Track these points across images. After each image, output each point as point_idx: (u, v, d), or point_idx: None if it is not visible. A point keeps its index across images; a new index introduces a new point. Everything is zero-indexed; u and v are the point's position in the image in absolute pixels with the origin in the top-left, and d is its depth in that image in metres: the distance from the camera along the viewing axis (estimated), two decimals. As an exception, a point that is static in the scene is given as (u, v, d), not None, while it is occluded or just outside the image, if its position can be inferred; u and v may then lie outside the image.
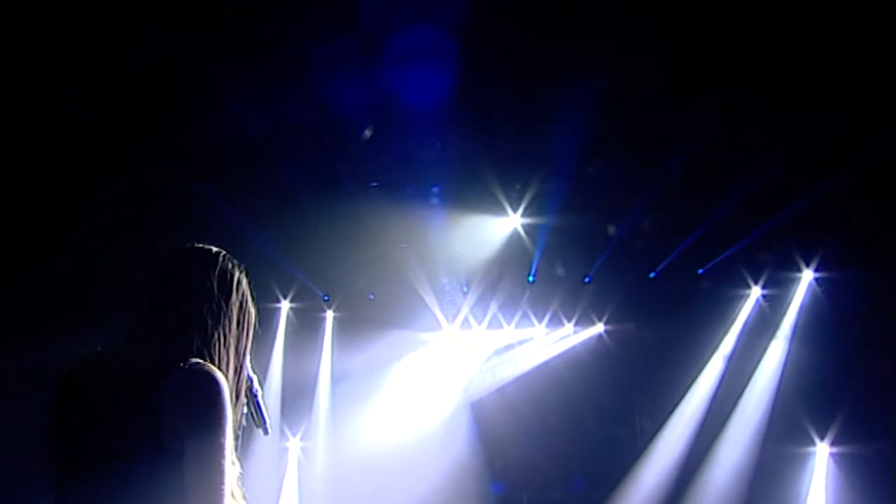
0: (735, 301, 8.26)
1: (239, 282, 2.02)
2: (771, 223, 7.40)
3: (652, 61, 5.74)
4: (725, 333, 8.21)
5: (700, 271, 8.23)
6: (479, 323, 8.70)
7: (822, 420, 7.79)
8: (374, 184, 7.40)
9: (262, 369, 8.31)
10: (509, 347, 8.71)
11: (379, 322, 8.62)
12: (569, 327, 8.81)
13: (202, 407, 1.70)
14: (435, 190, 7.47)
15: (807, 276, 7.91)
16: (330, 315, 8.89)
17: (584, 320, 8.76)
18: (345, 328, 8.80)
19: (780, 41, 5.53)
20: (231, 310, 1.94)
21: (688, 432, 7.99)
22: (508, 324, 8.71)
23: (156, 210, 6.64)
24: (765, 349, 8.06)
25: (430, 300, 8.36)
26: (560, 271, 8.16)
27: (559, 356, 8.50)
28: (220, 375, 1.78)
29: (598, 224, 7.80)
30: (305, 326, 8.75)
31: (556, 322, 8.67)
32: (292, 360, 8.53)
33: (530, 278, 8.34)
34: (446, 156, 7.03)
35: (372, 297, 8.46)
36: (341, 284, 8.45)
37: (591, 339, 8.68)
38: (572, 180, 7.26)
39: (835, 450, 7.76)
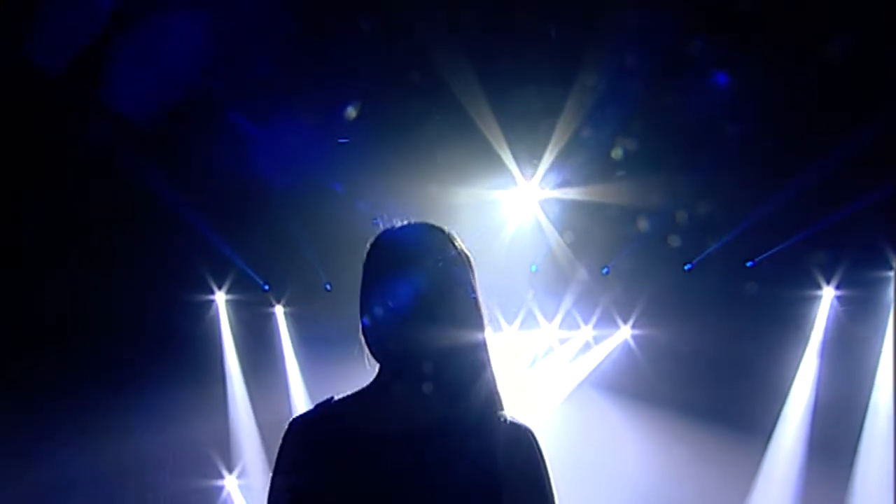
0: (798, 305, 6.63)
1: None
2: (851, 207, 6.01)
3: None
4: (797, 349, 6.56)
5: (749, 264, 6.70)
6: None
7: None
8: (343, 140, 5.98)
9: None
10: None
11: (339, 319, 6.75)
12: (586, 331, 6.94)
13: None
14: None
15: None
16: (280, 311, 7.08)
17: (606, 322, 6.87)
18: (300, 326, 7.18)
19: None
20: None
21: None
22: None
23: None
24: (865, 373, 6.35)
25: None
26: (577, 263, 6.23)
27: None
28: None
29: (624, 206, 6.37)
30: (250, 326, 7.11)
31: (570, 323, 6.95)
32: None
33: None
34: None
35: (329, 287, 6.69)
36: (291, 272, 6.88)
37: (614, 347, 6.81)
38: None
39: None
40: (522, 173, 6.25)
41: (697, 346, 6.63)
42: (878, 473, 6.02)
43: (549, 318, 6.96)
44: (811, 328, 6.51)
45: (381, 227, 1.69)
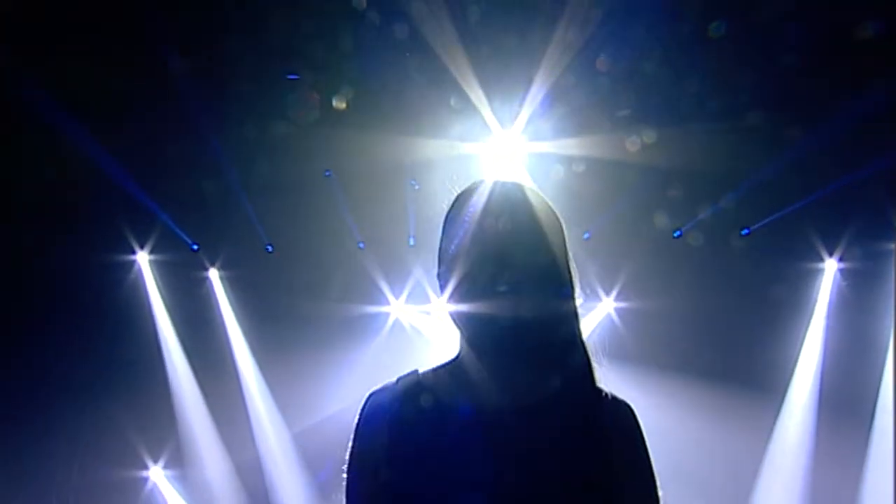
0: (801, 277, 6.11)
1: None
2: (856, 174, 5.63)
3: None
4: (799, 326, 6.02)
5: (745, 232, 6.21)
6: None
7: None
8: (293, 76, 5.32)
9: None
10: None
11: (283, 287, 5.96)
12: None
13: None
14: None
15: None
16: (215, 276, 6.29)
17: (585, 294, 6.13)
18: (241, 294, 6.34)
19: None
20: None
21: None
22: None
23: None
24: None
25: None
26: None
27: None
28: None
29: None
30: (181, 292, 6.25)
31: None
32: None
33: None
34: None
35: (270, 248, 6.02)
36: (226, 230, 6.06)
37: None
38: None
39: None
40: (500, 121, 5.56)
41: (687, 322, 6.04)
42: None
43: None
44: (814, 302, 6.08)
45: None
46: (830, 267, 6.12)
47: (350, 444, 1.47)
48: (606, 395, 1.49)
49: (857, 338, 5.91)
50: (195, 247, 6.15)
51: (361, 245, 6.19)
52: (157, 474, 6.11)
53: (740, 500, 5.93)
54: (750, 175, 5.80)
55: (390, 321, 6.37)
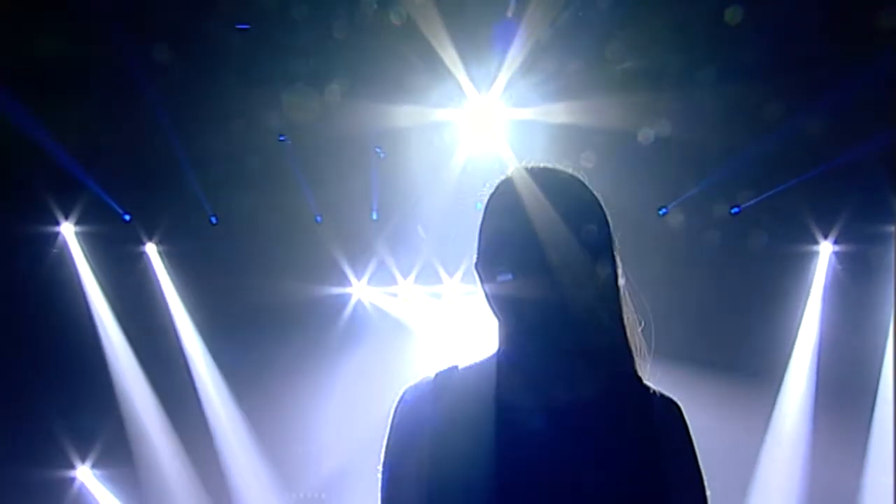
0: (793, 260, 5.79)
1: None
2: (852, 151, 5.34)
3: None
4: (795, 314, 5.72)
5: (734, 210, 5.89)
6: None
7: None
8: (242, 26, 4.71)
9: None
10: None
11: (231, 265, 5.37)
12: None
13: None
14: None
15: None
16: (153, 250, 5.71)
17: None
18: (183, 271, 5.73)
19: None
20: None
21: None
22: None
23: None
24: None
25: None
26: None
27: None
28: None
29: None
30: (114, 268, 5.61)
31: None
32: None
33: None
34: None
35: (214, 220, 5.48)
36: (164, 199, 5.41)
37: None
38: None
39: None
40: (475, 85, 5.09)
41: (672, 305, 5.60)
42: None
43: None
44: (809, 287, 5.81)
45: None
46: (825, 250, 5.86)
47: (385, 440, 1.41)
48: (654, 392, 1.44)
49: (854, 325, 5.66)
50: (127, 217, 5.54)
51: (318, 219, 5.60)
52: (84, 474, 5.50)
53: (738, 490, 5.66)
54: (742, 149, 5.49)
55: (351, 303, 5.82)
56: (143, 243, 5.66)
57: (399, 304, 5.78)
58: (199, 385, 5.75)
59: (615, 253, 1.42)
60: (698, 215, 5.79)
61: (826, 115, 5.15)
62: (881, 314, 5.53)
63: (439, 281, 5.71)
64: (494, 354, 1.42)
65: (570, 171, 1.44)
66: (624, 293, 1.42)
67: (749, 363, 5.61)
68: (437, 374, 1.42)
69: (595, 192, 1.42)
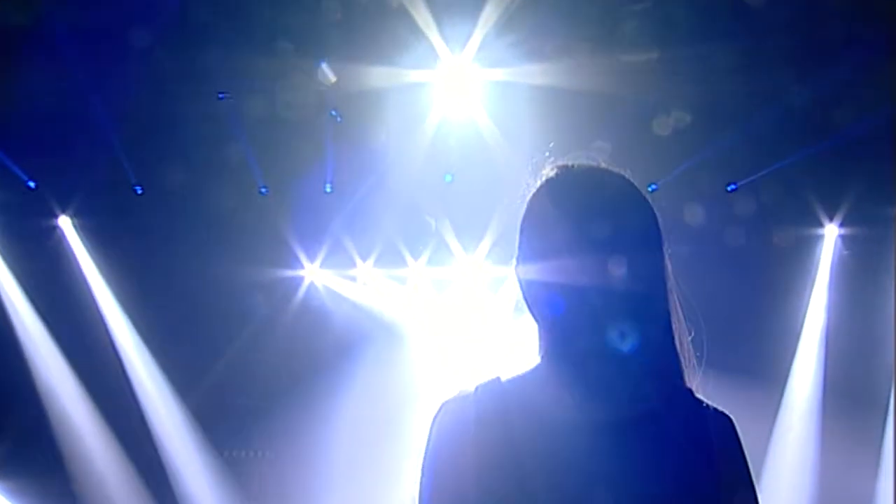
0: (797, 245, 5.56)
1: None
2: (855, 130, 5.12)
3: None
4: (800, 300, 5.49)
5: (731, 187, 5.68)
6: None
7: None
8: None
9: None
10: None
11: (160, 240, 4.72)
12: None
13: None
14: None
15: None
16: (67, 224, 5.12)
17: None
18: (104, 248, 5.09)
19: None
20: None
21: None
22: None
23: None
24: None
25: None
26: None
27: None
28: None
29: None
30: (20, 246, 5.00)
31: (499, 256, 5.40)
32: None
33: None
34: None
35: (139, 191, 4.93)
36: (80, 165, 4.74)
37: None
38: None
39: None
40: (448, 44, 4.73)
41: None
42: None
43: (470, 249, 5.26)
44: (814, 273, 5.59)
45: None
46: (831, 233, 5.64)
47: (424, 457, 1.37)
48: (707, 405, 1.42)
49: (863, 316, 5.44)
50: (32, 184, 4.88)
51: (264, 190, 4.94)
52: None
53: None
54: (740, 123, 5.23)
55: (303, 287, 5.20)
56: (56, 216, 5.03)
57: (357, 288, 5.24)
58: (133, 378, 5.17)
59: (666, 256, 1.41)
60: (692, 192, 5.38)
61: (829, 87, 4.90)
62: (892, 303, 5.30)
63: (404, 264, 5.19)
64: (539, 366, 1.39)
65: (615, 169, 1.40)
66: (675, 300, 1.39)
67: (752, 359, 5.35)
68: (477, 388, 1.39)
69: (646, 194, 1.38)
